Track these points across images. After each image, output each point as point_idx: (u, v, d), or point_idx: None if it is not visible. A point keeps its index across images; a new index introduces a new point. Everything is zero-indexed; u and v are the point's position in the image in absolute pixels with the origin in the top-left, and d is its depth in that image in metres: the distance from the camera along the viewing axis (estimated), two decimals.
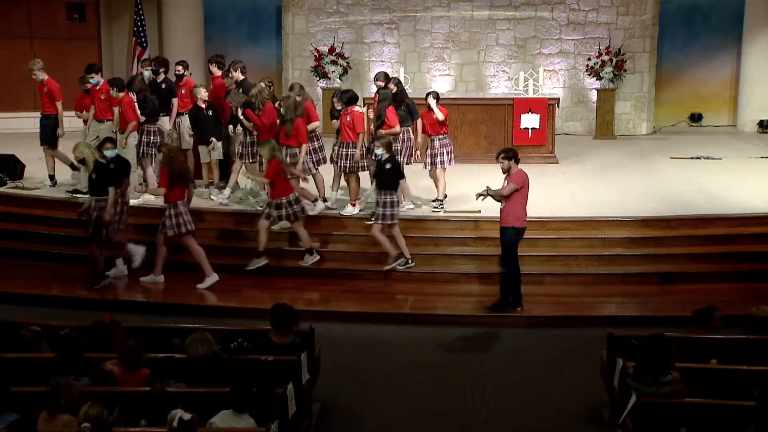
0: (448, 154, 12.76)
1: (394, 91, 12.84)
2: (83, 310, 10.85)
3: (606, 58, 17.71)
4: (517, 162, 10.57)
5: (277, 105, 12.55)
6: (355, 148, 12.29)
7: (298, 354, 7.90)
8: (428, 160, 12.80)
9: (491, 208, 12.74)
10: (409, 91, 16.40)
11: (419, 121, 12.85)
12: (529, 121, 15.65)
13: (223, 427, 6.62)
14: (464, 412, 8.55)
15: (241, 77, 13.39)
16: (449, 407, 8.64)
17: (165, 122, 13.80)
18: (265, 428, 6.54)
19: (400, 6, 18.50)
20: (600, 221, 12.49)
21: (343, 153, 12.39)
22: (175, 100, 13.83)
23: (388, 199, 11.46)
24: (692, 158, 16.12)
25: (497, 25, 18.45)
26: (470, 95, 17.20)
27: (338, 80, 18.09)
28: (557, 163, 15.65)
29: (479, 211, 12.66)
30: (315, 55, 18.14)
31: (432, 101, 12.73)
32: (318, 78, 18.21)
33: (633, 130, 18.46)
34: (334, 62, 18.02)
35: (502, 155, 10.59)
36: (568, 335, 10.39)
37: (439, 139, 12.75)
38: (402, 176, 11.64)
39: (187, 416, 6.15)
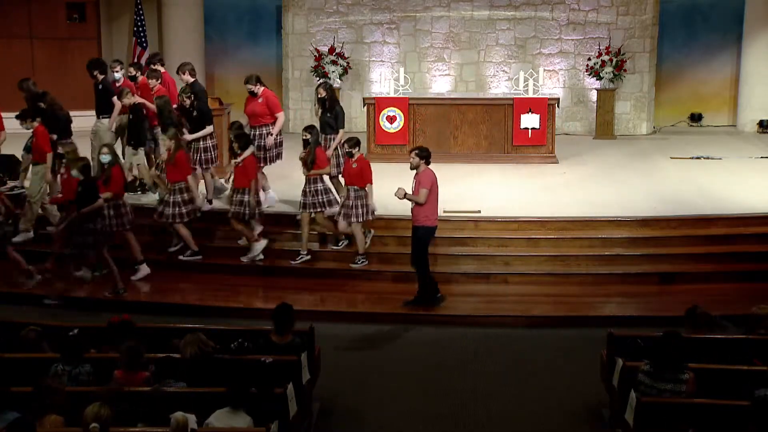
0: (362, 207, 11.62)
1: (322, 95, 12.68)
2: (82, 310, 10.88)
3: (606, 58, 17.70)
4: (427, 163, 10.74)
5: None
6: (246, 194, 11.71)
7: (298, 354, 7.91)
8: (341, 210, 11.79)
9: (491, 209, 12.80)
10: (409, 91, 16.55)
11: (342, 132, 12.60)
12: (529, 121, 15.65)
13: (220, 426, 6.62)
14: (464, 412, 8.56)
15: (191, 79, 13.11)
16: (449, 407, 8.64)
17: (104, 124, 13.41)
18: (265, 428, 6.54)
19: (400, 6, 18.49)
20: (600, 221, 12.49)
21: (237, 199, 11.80)
22: (115, 100, 13.31)
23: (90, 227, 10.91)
24: (692, 158, 16.12)
25: (497, 25, 18.44)
26: (470, 95, 17.18)
27: (338, 80, 18.09)
28: (557, 163, 15.64)
29: (479, 211, 12.69)
30: (315, 55, 18.13)
31: (354, 150, 11.66)
32: (318, 78, 18.19)
33: (633, 130, 18.46)
34: (334, 62, 18.01)
35: (416, 152, 10.77)
36: (568, 335, 10.39)
37: (355, 191, 11.65)
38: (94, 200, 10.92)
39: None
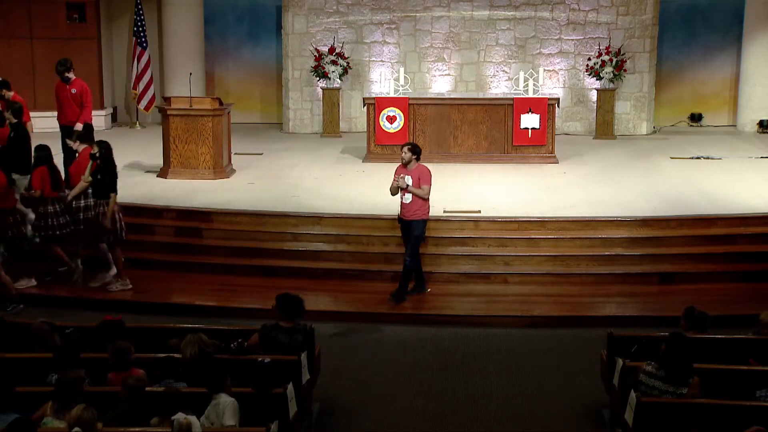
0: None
1: (94, 151, 11.14)
2: (82, 310, 10.87)
3: (606, 58, 17.70)
4: (418, 159, 10.94)
5: None
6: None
7: (298, 354, 7.91)
8: None
9: (491, 208, 12.80)
10: (409, 91, 16.55)
11: (114, 196, 11.20)
12: (529, 121, 15.65)
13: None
14: (464, 412, 8.56)
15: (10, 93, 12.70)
16: (449, 407, 8.64)
17: None
18: (265, 428, 6.54)
19: (400, 6, 18.50)
20: (600, 221, 12.49)
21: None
22: None
23: None
24: (692, 158, 16.12)
25: (497, 25, 18.44)
26: (470, 95, 17.17)
27: (338, 80, 18.10)
28: (557, 163, 15.64)
29: (479, 211, 12.68)
30: (315, 55, 18.13)
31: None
32: (318, 78, 18.21)
33: (633, 130, 18.46)
34: (334, 62, 18.01)
35: (408, 147, 10.98)
36: (568, 335, 10.39)
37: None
38: None
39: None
